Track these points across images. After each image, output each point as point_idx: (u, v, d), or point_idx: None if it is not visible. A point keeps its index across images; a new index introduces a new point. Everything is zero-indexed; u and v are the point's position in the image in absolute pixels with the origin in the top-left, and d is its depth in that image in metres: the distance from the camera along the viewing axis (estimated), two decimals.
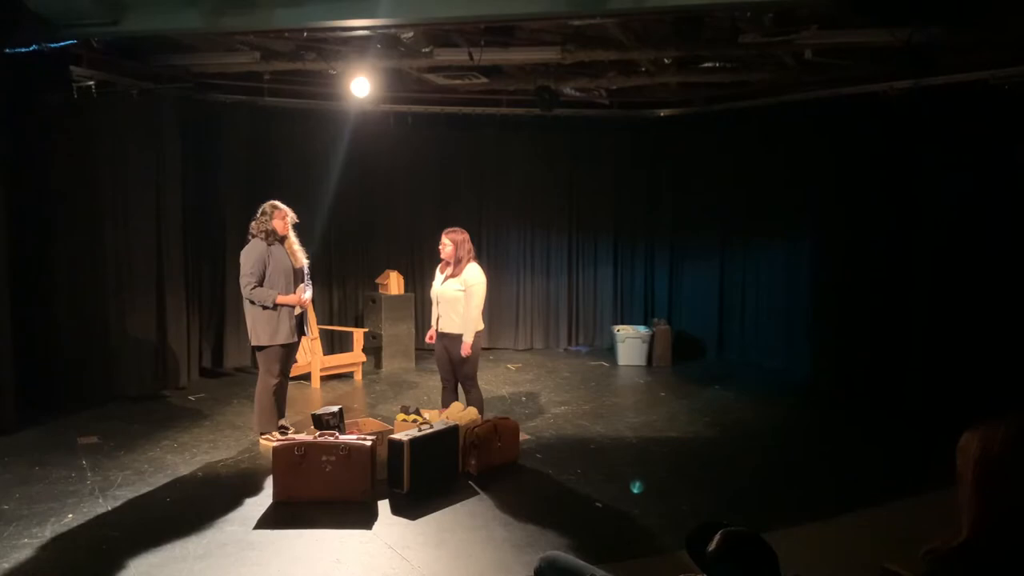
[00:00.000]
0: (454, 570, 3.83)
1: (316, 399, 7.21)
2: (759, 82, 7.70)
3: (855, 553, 4.00)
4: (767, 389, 7.73)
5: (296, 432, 5.37)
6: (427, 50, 6.39)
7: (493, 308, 9.00)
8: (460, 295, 5.63)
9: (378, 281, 8.79)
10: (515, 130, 9.30)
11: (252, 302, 5.43)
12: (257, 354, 5.62)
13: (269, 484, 4.74)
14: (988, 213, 6.67)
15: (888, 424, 6.56)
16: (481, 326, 5.73)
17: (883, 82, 7.00)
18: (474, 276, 5.66)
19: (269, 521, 4.38)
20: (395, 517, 4.45)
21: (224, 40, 6.48)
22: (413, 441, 4.76)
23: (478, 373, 5.85)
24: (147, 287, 7.12)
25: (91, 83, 6.34)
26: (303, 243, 5.82)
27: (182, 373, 7.47)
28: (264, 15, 4.62)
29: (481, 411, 5.61)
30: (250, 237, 5.57)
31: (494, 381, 7.86)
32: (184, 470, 5.20)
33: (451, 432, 5.09)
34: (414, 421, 5.29)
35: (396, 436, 4.84)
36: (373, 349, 8.52)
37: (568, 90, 8.07)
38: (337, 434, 4.85)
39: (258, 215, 5.57)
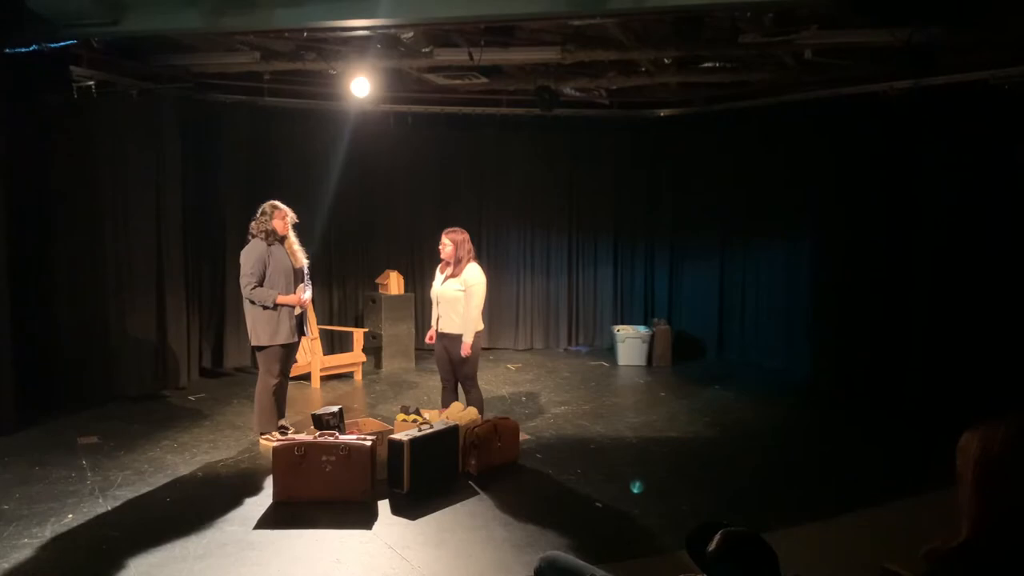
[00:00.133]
0: (454, 570, 3.83)
1: (316, 399, 7.21)
2: (759, 82, 7.70)
3: (855, 553, 4.00)
4: (767, 389, 7.73)
5: (296, 432, 5.37)
6: (427, 50, 6.39)
7: (493, 308, 9.00)
8: (460, 295, 5.63)
9: (378, 281, 8.79)
10: (515, 130, 9.30)
11: (252, 302, 5.43)
12: (257, 354, 5.62)
13: (269, 484, 4.74)
14: (988, 213, 6.67)
15: (888, 424, 6.56)
16: (481, 326, 5.73)
17: (883, 82, 7.00)
18: (474, 276, 5.65)
19: (269, 521, 4.38)
20: (395, 517, 4.45)
21: (224, 40, 6.48)
22: (413, 441, 4.76)
23: (478, 373, 5.85)
24: (147, 287, 7.12)
25: (91, 83, 6.34)
26: (303, 243, 5.82)
27: (182, 373, 7.47)
28: (264, 15, 4.62)
29: (481, 411, 5.61)
30: (250, 237, 5.57)
31: (494, 381, 7.86)
32: (184, 470, 5.20)
33: (451, 432, 5.09)
34: (414, 421, 5.29)
35: (396, 436, 4.84)
36: (373, 349, 8.52)
37: (568, 90, 8.07)
38: (337, 434, 4.85)
39: (258, 215, 5.57)
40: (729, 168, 8.98)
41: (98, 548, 3.98)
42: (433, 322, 5.83)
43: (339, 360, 8.01)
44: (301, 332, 5.68)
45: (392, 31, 5.90)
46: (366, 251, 9.26)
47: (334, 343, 8.75)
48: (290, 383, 6.04)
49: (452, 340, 5.65)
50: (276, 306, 5.41)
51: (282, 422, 5.67)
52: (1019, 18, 5.11)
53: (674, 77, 7.35)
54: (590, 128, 9.44)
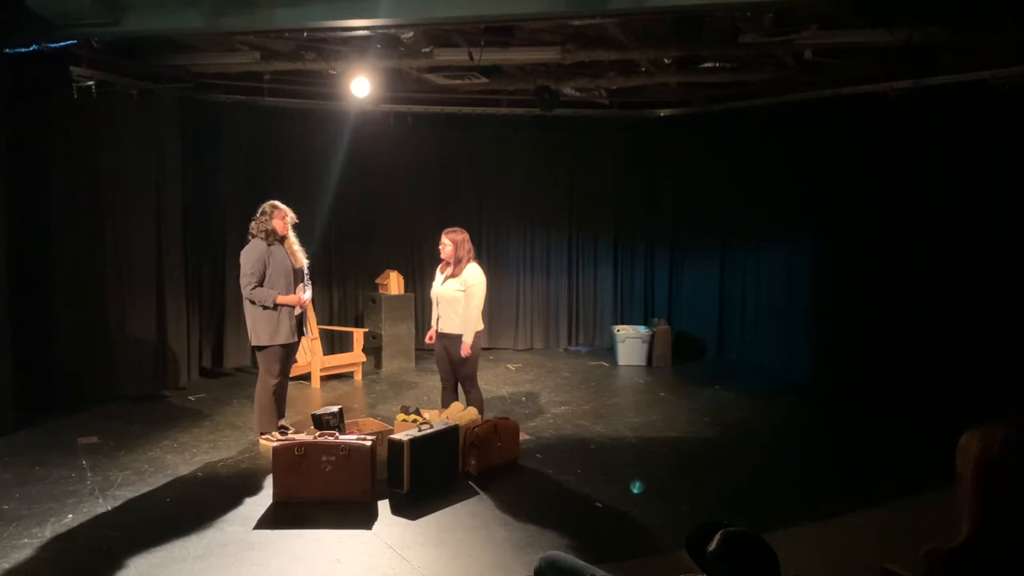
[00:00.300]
0: (454, 570, 3.83)
1: (316, 399, 7.21)
2: (759, 82, 7.70)
3: (855, 553, 4.00)
4: (767, 389, 7.73)
5: (296, 432, 5.37)
6: (427, 50, 6.39)
7: (493, 308, 9.00)
8: (460, 295, 5.63)
9: (378, 281, 8.79)
10: (515, 130, 9.30)
11: (252, 302, 5.43)
12: (257, 354, 5.62)
13: (269, 484, 4.74)
14: (988, 213, 6.66)
15: (888, 424, 6.56)
16: (481, 326, 5.72)
17: (883, 82, 7.00)
18: (474, 276, 5.65)
19: (269, 521, 4.38)
20: (395, 517, 4.45)
21: (224, 40, 6.48)
22: (413, 441, 4.76)
23: (478, 373, 5.85)
24: (147, 287, 7.12)
25: (91, 83, 6.34)
26: (303, 243, 5.82)
27: (182, 373, 7.47)
28: (264, 15, 4.63)
29: (481, 411, 5.61)
30: (250, 237, 5.57)
31: (494, 381, 7.86)
32: (184, 470, 5.19)
33: (451, 432, 5.09)
34: (414, 421, 5.29)
35: (396, 436, 4.84)
36: (373, 349, 8.52)
37: (568, 90, 8.07)
38: (337, 434, 4.85)
39: (258, 215, 5.57)
40: (729, 168, 8.97)
41: (98, 548, 3.98)
42: (433, 322, 5.83)
43: (339, 360, 8.01)
44: (301, 332, 5.69)
45: (392, 31, 5.90)
46: (366, 251, 9.26)
47: (334, 343, 8.75)
48: (290, 383, 6.04)
49: (452, 340, 5.65)
50: (276, 306, 5.41)
51: (282, 422, 5.67)
52: (1019, 18, 5.11)
53: (674, 77, 7.35)
54: (590, 128, 9.44)
